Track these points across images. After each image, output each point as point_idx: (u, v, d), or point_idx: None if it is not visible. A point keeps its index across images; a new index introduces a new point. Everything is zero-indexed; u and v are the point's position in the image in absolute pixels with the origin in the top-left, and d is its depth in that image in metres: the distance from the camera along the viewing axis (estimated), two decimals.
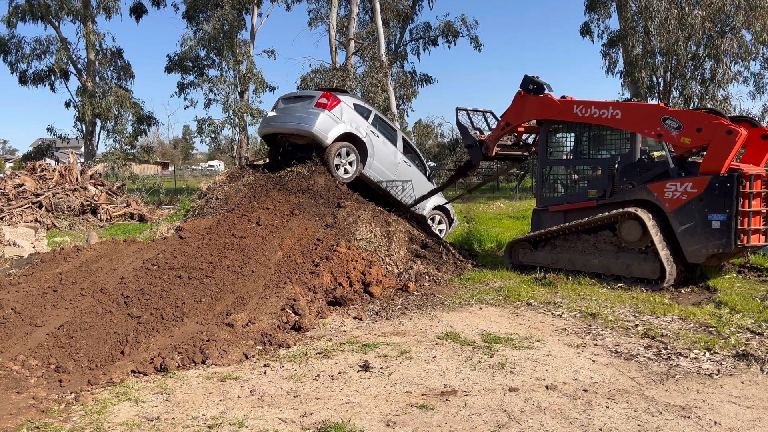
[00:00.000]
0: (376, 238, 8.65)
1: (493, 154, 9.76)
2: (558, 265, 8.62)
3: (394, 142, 11.52)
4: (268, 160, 11.84)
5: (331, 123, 10.22)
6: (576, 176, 9.00)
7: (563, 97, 8.99)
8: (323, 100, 10.29)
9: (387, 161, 11.19)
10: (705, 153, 7.56)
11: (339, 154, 10.29)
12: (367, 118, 10.97)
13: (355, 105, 10.85)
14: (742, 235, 7.24)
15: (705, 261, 7.62)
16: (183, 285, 6.08)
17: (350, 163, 10.51)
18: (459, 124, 10.63)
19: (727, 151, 7.28)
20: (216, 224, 8.02)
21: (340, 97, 10.60)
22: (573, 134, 9.13)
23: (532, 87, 9.10)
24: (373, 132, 10.93)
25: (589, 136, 8.90)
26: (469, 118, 10.68)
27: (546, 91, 8.98)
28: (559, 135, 9.29)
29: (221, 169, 45.32)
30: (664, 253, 7.54)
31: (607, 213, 8.06)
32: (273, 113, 10.88)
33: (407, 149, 11.90)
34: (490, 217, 16.68)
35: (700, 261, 7.62)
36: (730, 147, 7.25)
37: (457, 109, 10.65)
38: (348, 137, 10.47)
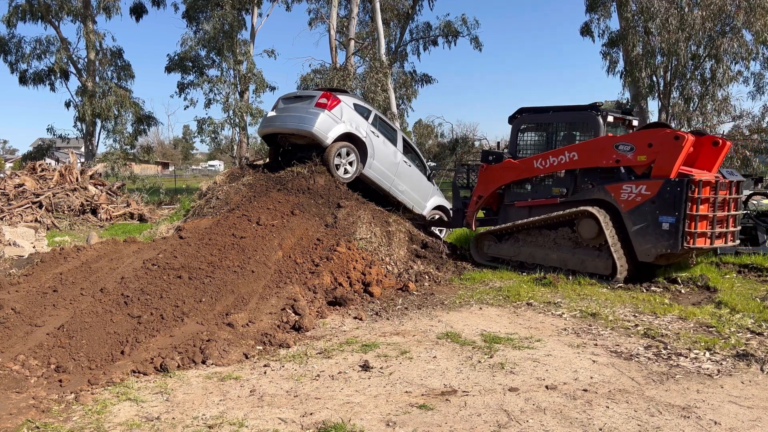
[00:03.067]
0: (376, 238, 8.66)
1: (473, 228, 10.07)
2: (519, 257, 9.05)
3: (394, 142, 11.52)
4: (268, 160, 11.84)
5: (331, 123, 10.22)
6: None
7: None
8: (323, 100, 10.29)
9: (387, 161, 11.19)
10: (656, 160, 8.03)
11: (339, 154, 10.29)
12: (367, 118, 10.97)
13: (355, 105, 10.85)
14: (688, 238, 7.64)
15: (654, 260, 8.00)
16: (183, 285, 6.08)
17: (350, 163, 10.51)
18: (454, 183, 11.13)
19: (676, 155, 7.76)
20: (216, 224, 8.02)
21: (340, 97, 10.60)
22: (544, 133, 9.56)
23: (492, 158, 9.70)
24: (373, 132, 10.93)
25: (555, 136, 9.35)
26: (468, 174, 10.91)
27: (505, 158, 9.54)
28: (528, 134, 9.77)
29: (221, 169, 45.32)
30: (616, 250, 7.95)
31: (565, 211, 8.48)
32: (273, 113, 10.88)
33: (407, 149, 11.90)
34: None
35: (649, 260, 8.00)
36: (678, 152, 7.73)
37: (458, 165, 10.89)
38: (348, 137, 10.47)
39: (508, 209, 9.50)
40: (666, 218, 7.69)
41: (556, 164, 8.82)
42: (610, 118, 8.93)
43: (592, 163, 8.50)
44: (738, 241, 8.71)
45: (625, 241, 8.08)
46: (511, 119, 9.83)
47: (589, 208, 8.18)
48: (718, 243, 8.17)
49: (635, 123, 9.62)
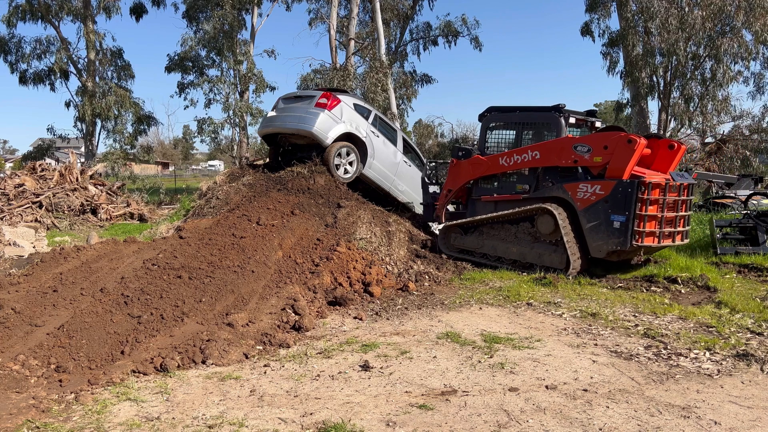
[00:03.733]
0: (376, 238, 8.66)
1: (444, 220, 10.25)
2: (483, 250, 9.43)
3: (394, 142, 11.52)
4: (268, 160, 11.84)
5: (331, 123, 10.22)
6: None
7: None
8: (323, 100, 10.30)
9: (387, 161, 11.20)
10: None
11: (339, 154, 10.29)
12: (367, 118, 10.97)
13: (355, 105, 10.85)
14: (637, 236, 8.04)
15: (605, 256, 8.38)
16: (183, 285, 6.08)
17: (350, 163, 10.51)
18: (423, 179, 11.57)
19: (629, 158, 8.12)
20: (216, 224, 8.03)
21: (340, 97, 10.60)
22: (511, 132, 9.94)
23: (461, 154, 10.17)
24: (373, 132, 10.94)
25: (521, 135, 9.76)
26: (436, 172, 11.44)
27: (474, 154, 9.98)
28: (496, 131, 10.18)
29: (221, 169, 45.30)
30: (570, 246, 8.30)
31: (525, 207, 8.89)
32: (273, 113, 10.89)
33: (407, 149, 11.91)
34: None
35: (601, 256, 8.38)
36: (631, 154, 8.11)
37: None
38: (348, 137, 10.47)
39: (476, 203, 9.90)
40: (617, 217, 8.07)
41: (519, 162, 9.23)
42: (572, 120, 9.33)
43: (552, 162, 8.88)
44: (687, 240, 9.15)
45: (579, 237, 8.44)
46: (481, 117, 10.23)
47: (547, 206, 8.53)
48: (666, 242, 8.56)
49: (598, 124, 9.95)
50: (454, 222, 9.82)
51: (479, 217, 9.48)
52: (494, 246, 9.29)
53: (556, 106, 9.32)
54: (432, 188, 11.59)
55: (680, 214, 8.59)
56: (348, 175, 10.50)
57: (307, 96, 10.80)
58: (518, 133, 9.75)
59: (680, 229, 8.71)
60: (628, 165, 8.11)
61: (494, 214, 9.27)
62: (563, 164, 8.75)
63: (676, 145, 8.77)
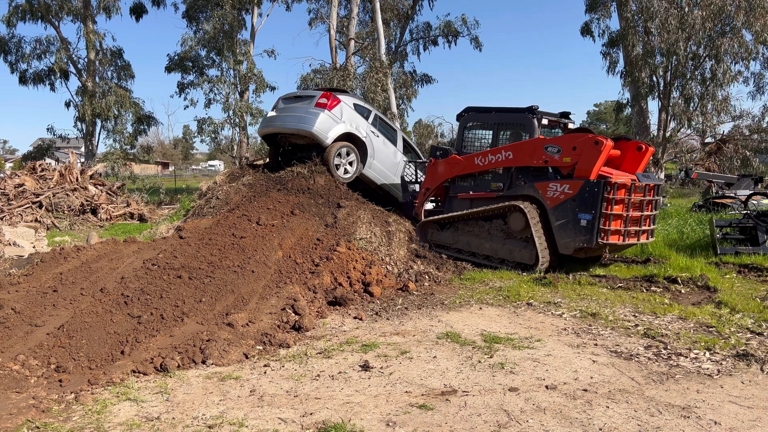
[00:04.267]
0: (376, 238, 8.66)
1: (423, 218, 10.38)
2: (457, 245, 9.66)
3: (394, 142, 11.52)
4: (268, 160, 11.85)
5: (331, 123, 10.22)
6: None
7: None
8: (323, 100, 10.31)
9: (387, 161, 11.20)
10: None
11: (339, 154, 10.29)
12: (367, 118, 10.97)
13: (355, 105, 10.85)
14: (602, 234, 8.33)
15: (572, 253, 8.65)
16: (183, 285, 6.08)
17: (350, 163, 10.51)
18: (402, 178, 11.79)
19: (595, 158, 8.39)
20: (216, 224, 8.03)
21: (340, 97, 10.60)
22: (487, 132, 10.27)
23: (439, 153, 10.46)
24: (373, 132, 10.94)
25: (496, 135, 10.06)
26: (416, 171, 11.62)
27: (451, 153, 10.27)
28: (473, 131, 10.48)
29: (221, 169, 45.28)
30: (540, 242, 8.60)
31: (497, 204, 9.17)
32: (273, 113, 10.89)
33: (407, 149, 11.91)
34: None
35: (568, 252, 8.66)
36: (597, 155, 8.38)
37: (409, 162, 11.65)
38: (348, 137, 10.47)
39: (453, 201, 10.16)
40: (584, 215, 8.36)
41: (494, 162, 9.52)
42: (545, 121, 9.62)
43: (524, 162, 9.16)
44: (653, 239, 9.54)
45: (549, 234, 8.73)
46: (459, 117, 10.51)
47: (519, 203, 8.84)
48: (631, 240, 8.86)
49: (571, 126, 10.16)
50: (431, 218, 10.09)
51: (454, 213, 9.74)
52: (468, 242, 9.56)
53: (529, 108, 9.59)
54: (411, 187, 11.70)
55: (645, 213, 8.88)
56: (348, 175, 10.50)
57: (307, 96, 10.80)
58: (494, 134, 10.09)
59: (646, 228, 9.01)
60: (595, 165, 8.39)
61: (469, 210, 9.54)
62: (535, 164, 9.03)
63: (644, 147, 9.09)
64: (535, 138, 9.27)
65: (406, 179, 11.46)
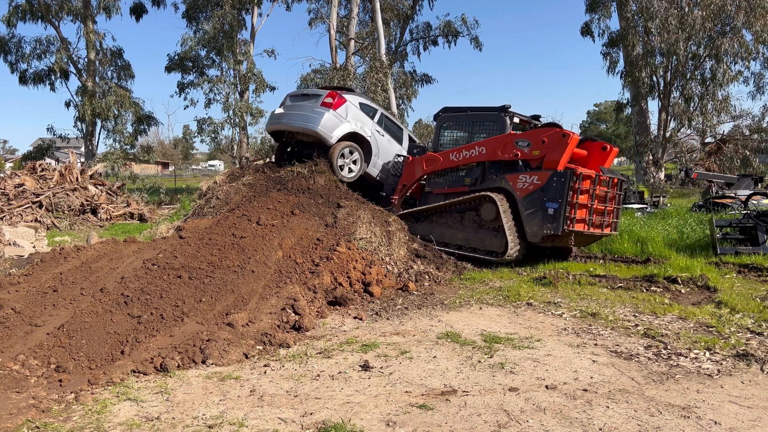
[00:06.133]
0: (376, 238, 8.65)
1: (399, 213, 10.67)
2: (433, 236, 9.97)
3: (400, 140, 11.59)
4: (274, 157, 11.90)
5: (335, 122, 10.26)
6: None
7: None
8: (329, 99, 10.39)
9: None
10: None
11: (342, 154, 10.32)
12: (373, 117, 11.03)
13: (361, 104, 10.89)
14: (568, 221, 8.78)
15: (539, 241, 9.08)
16: (183, 285, 6.08)
17: (354, 162, 10.54)
18: (388, 171, 12.12)
19: (563, 150, 8.87)
20: (216, 224, 8.02)
21: (346, 96, 10.64)
22: (464, 130, 10.78)
23: (416, 151, 11.05)
24: (378, 131, 10.98)
25: (471, 133, 10.51)
26: (400, 166, 11.84)
27: (427, 151, 10.81)
28: (449, 131, 10.98)
29: (221, 169, 45.26)
30: (510, 231, 9.04)
31: (470, 195, 9.61)
32: (281, 110, 10.94)
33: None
34: None
35: (536, 240, 9.09)
36: (564, 147, 8.88)
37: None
38: (353, 137, 10.49)
39: (428, 196, 10.61)
40: (551, 204, 8.80)
41: (468, 157, 9.98)
42: (516, 120, 10.16)
43: (497, 156, 9.63)
44: (616, 232, 10.08)
45: (519, 224, 9.18)
46: (436, 116, 11.10)
47: (490, 194, 9.31)
48: (595, 231, 9.42)
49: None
50: (407, 211, 10.54)
51: (430, 205, 10.22)
52: (442, 233, 9.96)
53: (502, 107, 10.10)
54: (395, 180, 11.89)
55: (609, 206, 9.55)
56: (352, 174, 10.53)
57: (313, 94, 10.85)
58: (469, 132, 10.62)
59: (610, 220, 9.67)
60: (562, 157, 8.87)
61: (444, 202, 10.00)
62: (506, 158, 9.50)
63: (608, 147, 9.66)
64: (507, 134, 9.76)
65: (392, 173, 11.65)
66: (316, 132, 10.11)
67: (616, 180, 9.64)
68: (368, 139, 10.67)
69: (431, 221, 10.20)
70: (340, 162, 10.25)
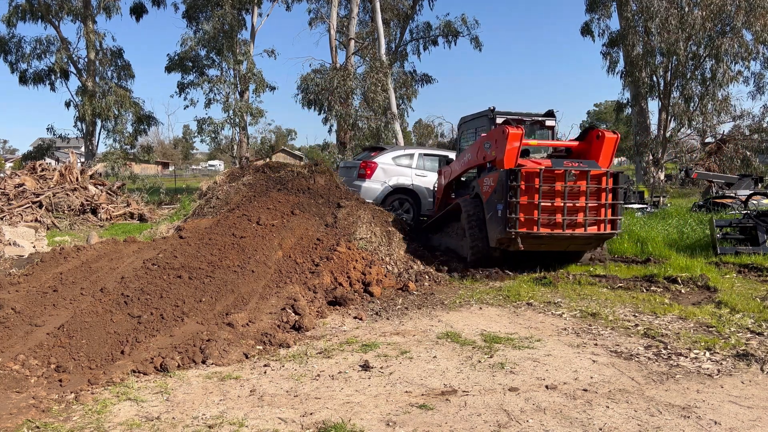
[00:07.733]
0: (376, 238, 8.65)
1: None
2: (441, 246, 10.16)
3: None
4: None
5: (374, 189, 11.69)
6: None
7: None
8: (362, 171, 11.86)
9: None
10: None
11: (393, 207, 11.55)
12: (410, 165, 12.22)
13: (394, 158, 12.17)
14: (511, 223, 8.10)
15: (496, 244, 8.58)
16: (183, 285, 6.08)
17: (406, 212, 11.93)
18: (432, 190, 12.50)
19: (503, 147, 8.29)
20: (216, 224, 8.03)
21: (377, 159, 11.96)
22: (471, 138, 10.58)
23: (446, 162, 11.15)
24: (419, 174, 12.19)
25: (473, 139, 10.35)
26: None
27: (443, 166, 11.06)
28: (464, 140, 10.90)
29: (221, 169, 45.24)
30: (470, 234, 8.85)
31: (450, 206, 9.76)
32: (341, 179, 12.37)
33: None
34: None
35: (494, 244, 8.64)
36: (504, 143, 8.25)
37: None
38: (397, 190, 11.87)
39: (445, 207, 10.62)
40: (500, 206, 8.31)
41: (463, 165, 10.00)
42: (499, 120, 9.48)
43: (478, 161, 9.37)
44: (585, 231, 8.30)
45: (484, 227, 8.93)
46: (458, 127, 11.23)
47: (459, 201, 9.35)
48: (555, 231, 8.15)
49: (549, 123, 10.07)
50: (425, 225, 11.02)
51: (433, 218, 10.54)
52: (447, 242, 10.15)
53: (488, 110, 9.95)
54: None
55: (570, 202, 8.12)
56: (409, 215, 11.86)
57: (352, 166, 12.34)
58: (474, 139, 10.42)
59: (571, 218, 8.16)
60: (504, 155, 8.28)
61: (438, 214, 10.26)
62: (482, 161, 9.20)
63: (601, 133, 8.69)
64: (480, 137, 9.45)
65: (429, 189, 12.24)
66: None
67: (578, 172, 8.14)
68: (410, 187, 11.94)
69: (443, 232, 10.37)
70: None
